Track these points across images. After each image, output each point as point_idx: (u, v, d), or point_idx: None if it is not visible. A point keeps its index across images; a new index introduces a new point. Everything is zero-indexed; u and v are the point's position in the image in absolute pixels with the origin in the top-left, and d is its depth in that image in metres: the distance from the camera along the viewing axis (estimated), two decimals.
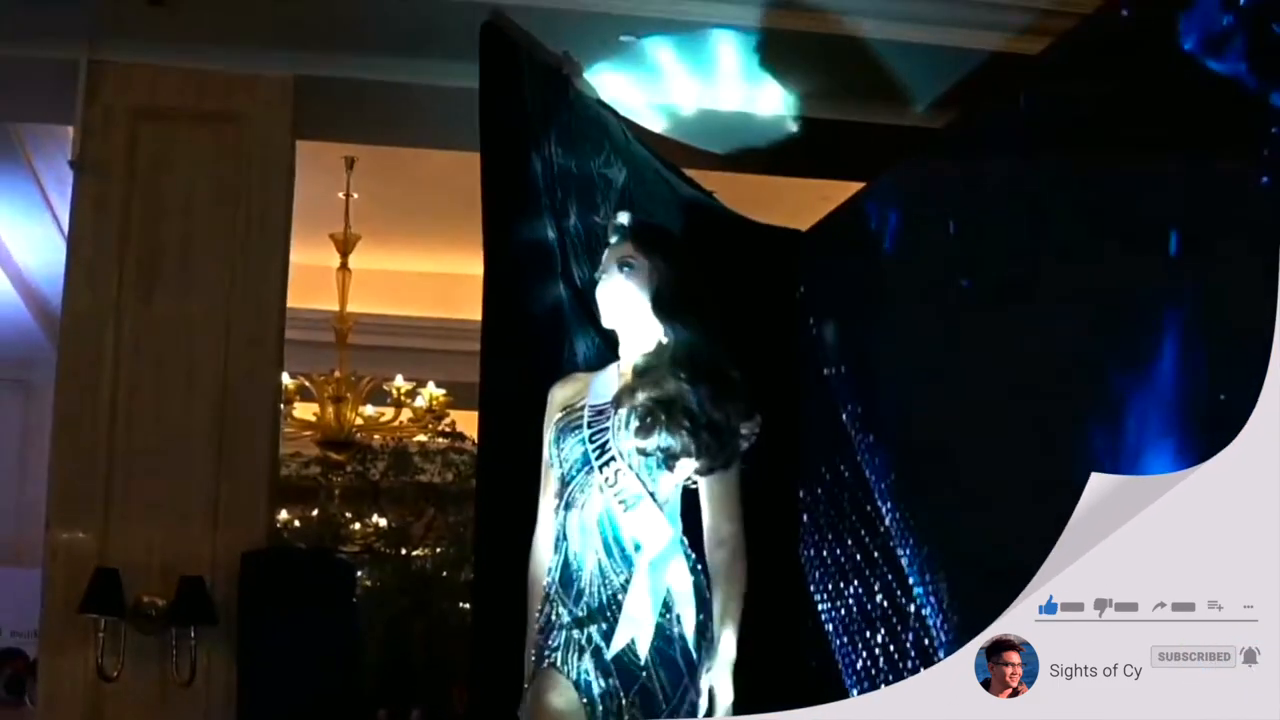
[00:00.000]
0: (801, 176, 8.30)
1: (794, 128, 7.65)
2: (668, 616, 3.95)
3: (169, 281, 6.90)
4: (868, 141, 7.44)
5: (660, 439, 3.99)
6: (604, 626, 3.91)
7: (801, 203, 7.68)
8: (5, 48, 6.91)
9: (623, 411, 4.03)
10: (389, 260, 11.25)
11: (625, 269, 4.20)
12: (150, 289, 6.88)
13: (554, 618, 4.02)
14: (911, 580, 5.23)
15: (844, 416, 5.92)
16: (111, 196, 6.90)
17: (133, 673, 6.50)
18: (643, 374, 4.11)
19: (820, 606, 6.03)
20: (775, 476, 6.22)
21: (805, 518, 6.28)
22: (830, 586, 5.96)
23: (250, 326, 6.91)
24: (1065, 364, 4.35)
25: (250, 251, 6.96)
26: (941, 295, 5.17)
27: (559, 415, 4.17)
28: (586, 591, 3.98)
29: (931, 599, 5.04)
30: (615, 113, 7.10)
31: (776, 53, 7.11)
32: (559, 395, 4.27)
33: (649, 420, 4.00)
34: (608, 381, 4.21)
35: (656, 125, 7.49)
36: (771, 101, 7.46)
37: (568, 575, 4.02)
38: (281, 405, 8.72)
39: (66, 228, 7.16)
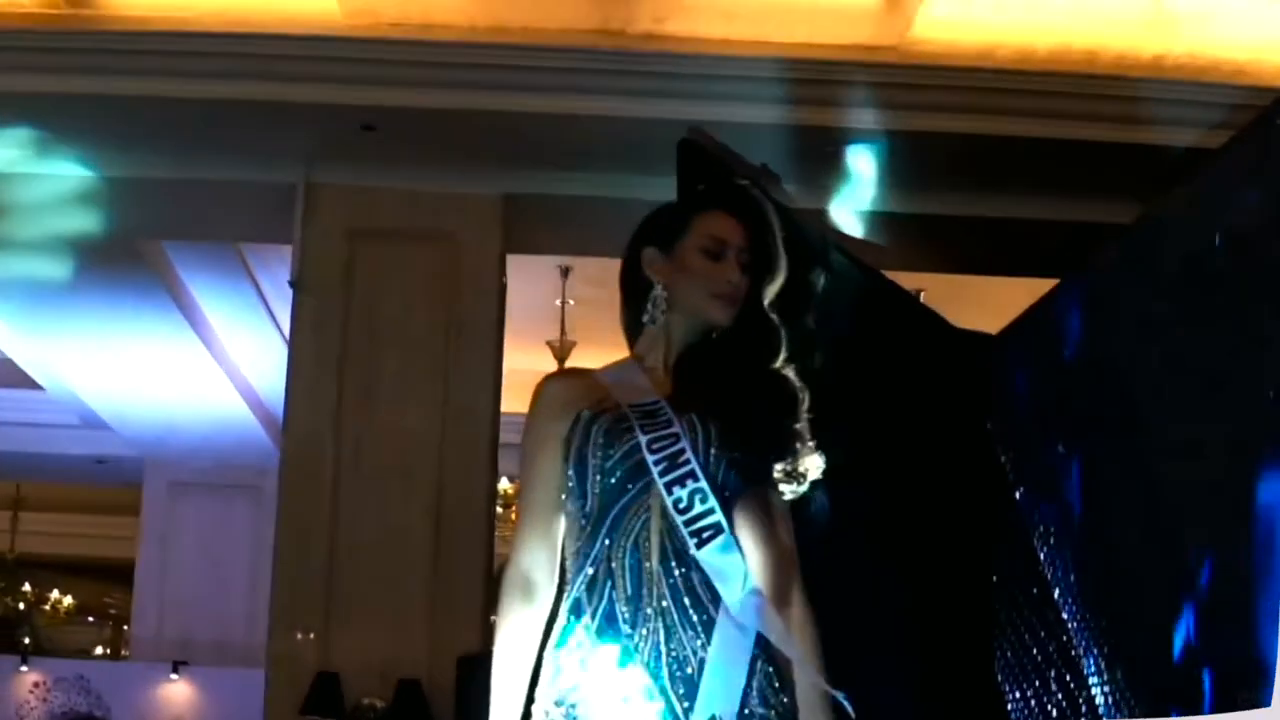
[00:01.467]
0: (1010, 275, 8.34)
1: (999, 229, 7.74)
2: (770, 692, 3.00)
3: (386, 393, 7.18)
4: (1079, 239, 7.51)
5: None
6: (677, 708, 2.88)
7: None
8: (228, 171, 7.28)
9: (695, 416, 3.05)
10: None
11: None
12: (368, 401, 7.17)
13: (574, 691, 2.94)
14: (1091, 681, 5.23)
15: (1031, 530, 5.93)
16: (329, 313, 7.24)
17: None
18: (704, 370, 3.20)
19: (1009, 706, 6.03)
20: (968, 578, 6.28)
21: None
22: (1014, 688, 5.96)
23: (464, 435, 7.15)
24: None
25: (462, 363, 7.22)
26: (1120, 404, 5.18)
27: (582, 416, 3.07)
28: (642, 650, 2.92)
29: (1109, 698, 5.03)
30: (816, 220, 7.25)
31: (976, 156, 7.20)
32: (559, 390, 3.16)
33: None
34: (632, 377, 3.17)
35: (857, 230, 7.59)
36: (968, 203, 7.54)
37: (610, 628, 2.94)
38: (500, 509, 8.98)
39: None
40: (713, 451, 3.02)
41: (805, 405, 3.17)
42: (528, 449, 3.14)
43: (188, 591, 12.52)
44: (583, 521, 3.01)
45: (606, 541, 2.97)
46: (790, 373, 3.18)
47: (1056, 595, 5.56)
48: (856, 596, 6.32)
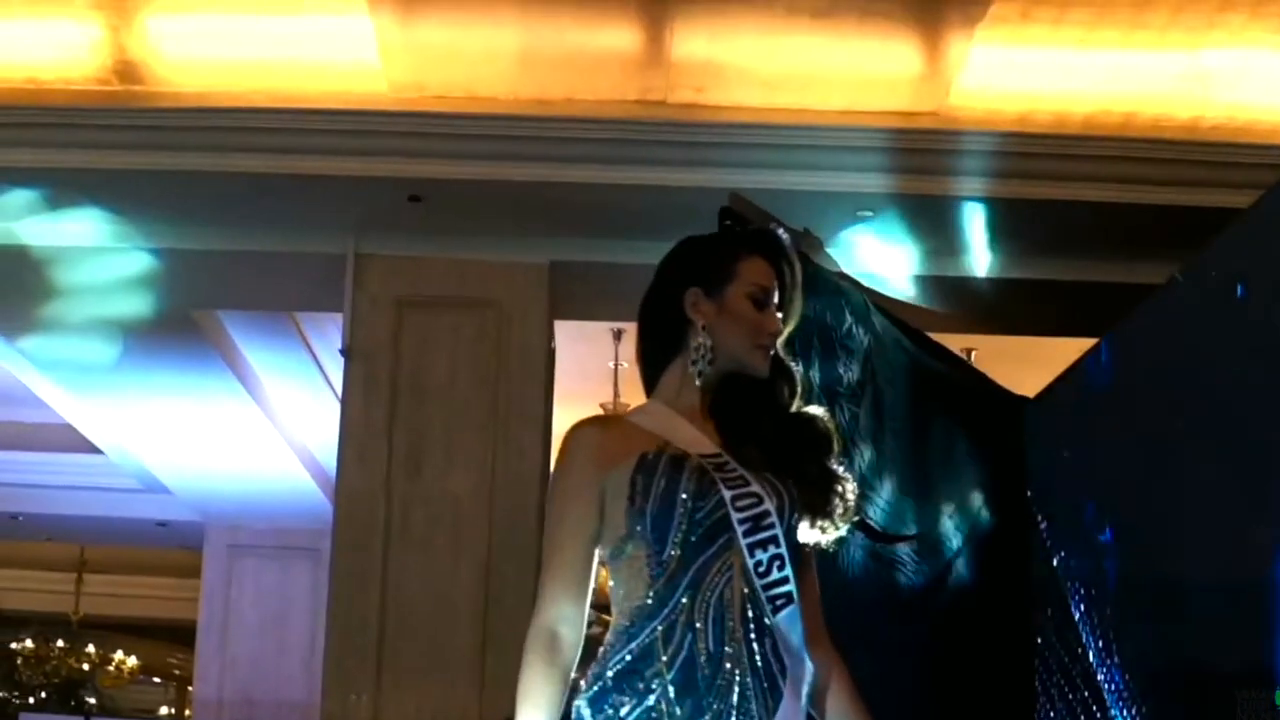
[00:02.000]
0: (1057, 336, 8.38)
1: (1044, 290, 7.80)
2: None
3: (435, 458, 7.30)
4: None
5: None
6: None
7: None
8: (279, 243, 7.45)
9: (771, 478, 3.01)
10: None
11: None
12: (418, 466, 7.30)
13: None
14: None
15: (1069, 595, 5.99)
16: (379, 379, 7.38)
17: None
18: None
19: None
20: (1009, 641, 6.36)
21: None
22: None
23: (512, 499, 7.26)
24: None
25: (510, 428, 7.34)
26: (1148, 464, 5.24)
27: (648, 456, 2.97)
28: (716, 712, 2.85)
29: None
30: (857, 284, 7.34)
31: (1020, 220, 7.28)
32: (599, 438, 3.06)
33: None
34: (673, 423, 3.07)
35: (900, 293, 7.67)
36: (1010, 264, 7.61)
37: (689, 686, 2.84)
38: None
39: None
40: (792, 518, 2.98)
41: (838, 443, 3.13)
42: (561, 495, 3.04)
43: (248, 652, 12.68)
44: (656, 570, 2.91)
45: (688, 595, 2.89)
46: (815, 411, 3.16)
47: (1092, 658, 5.61)
48: (900, 655, 6.41)
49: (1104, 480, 5.76)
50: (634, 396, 10.35)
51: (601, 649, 2.97)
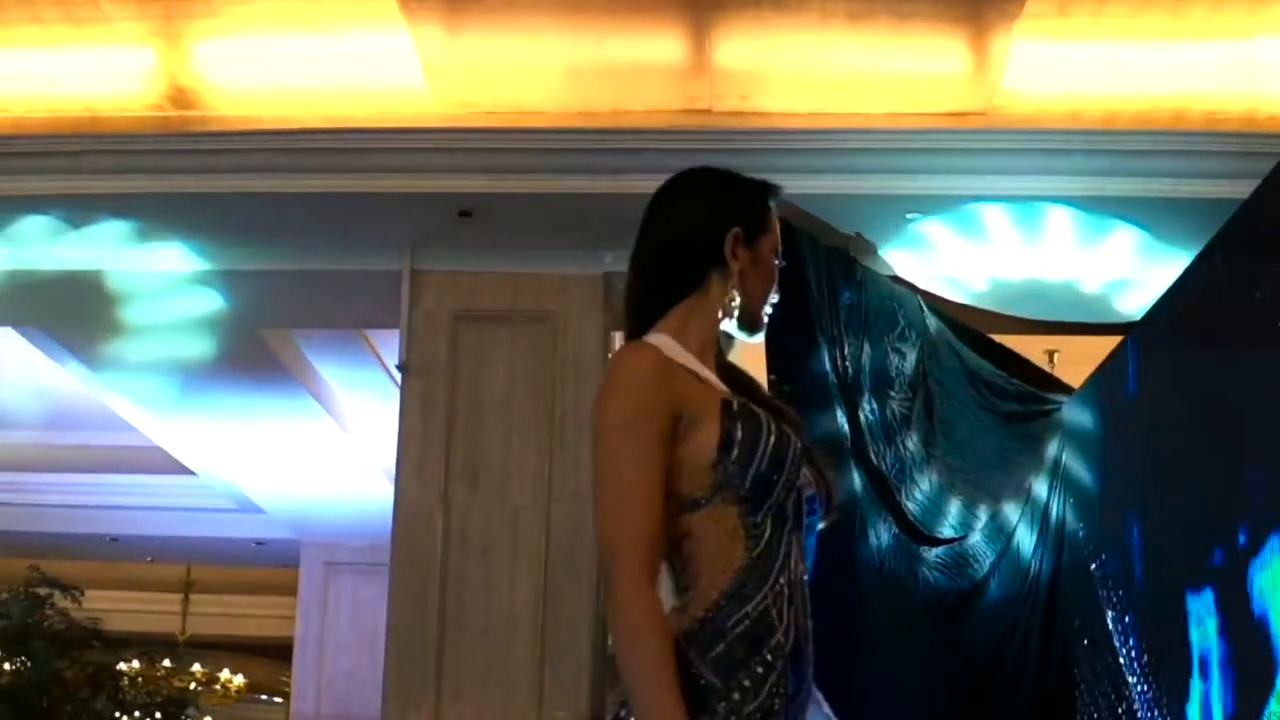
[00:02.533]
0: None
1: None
2: None
3: (492, 472, 7.35)
4: None
5: None
6: None
7: None
8: (337, 261, 7.55)
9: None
10: None
11: None
12: (475, 480, 7.35)
13: None
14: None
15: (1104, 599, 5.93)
16: (436, 394, 7.44)
17: None
18: None
19: None
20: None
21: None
22: None
23: (569, 514, 7.28)
24: None
25: (567, 441, 7.35)
26: (1171, 459, 5.17)
27: (727, 408, 2.82)
28: None
29: None
30: (912, 287, 7.30)
31: (1062, 220, 7.19)
32: (668, 373, 2.82)
33: None
34: (692, 364, 2.90)
35: (954, 295, 7.61)
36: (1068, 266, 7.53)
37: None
38: None
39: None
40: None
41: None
42: (628, 433, 2.72)
43: (346, 668, 12.81)
44: (754, 532, 2.72)
45: (782, 563, 2.73)
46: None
47: (1123, 660, 5.54)
48: (945, 653, 6.37)
49: (1134, 482, 5.70)
50: None
51: (698, 595, 2.71)
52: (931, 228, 7.31)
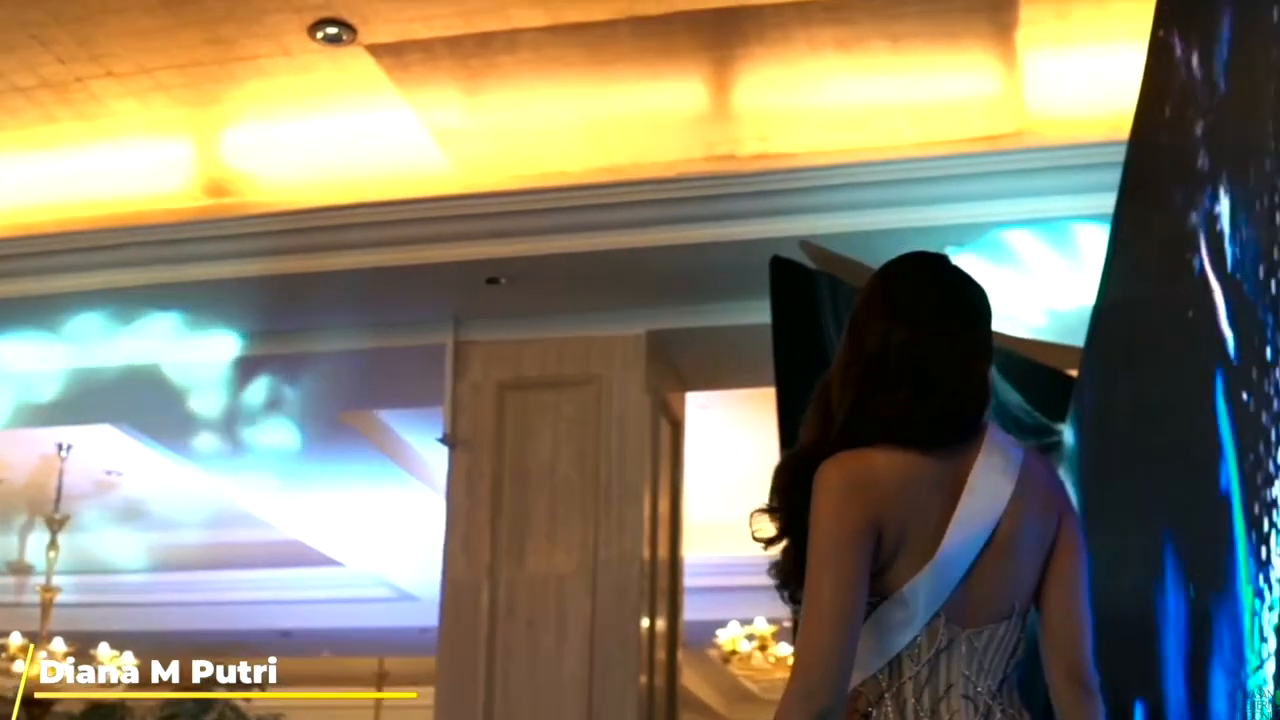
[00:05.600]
0: None
1: None
2: None
3: (538, 541, 7.23)
4: None
5: None
6: None
7: None
8: (376, 340, 7.53)
9: None
10: None
11: None
12: (521, 550, 7.24)
13: None
14: None
15: None
16: (482, 466, 7.35)
17: None
18: None
19: None
20: None
21: None
22: None
23: (615, 578, 7.12)
24: None
25: (612, 505, 7.20)
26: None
27: None
28: None
29: None
30: None
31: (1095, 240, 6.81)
32: None
33: None
34: None
35: (1013, 328, 7.25)
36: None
37: None
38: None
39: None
40: None
41: None
42: None
43: None
44: None
45: None
46: None
47: None
48: None
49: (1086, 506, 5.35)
50: None
51: None
52: (977, 255, 6.98)
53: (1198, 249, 2.93)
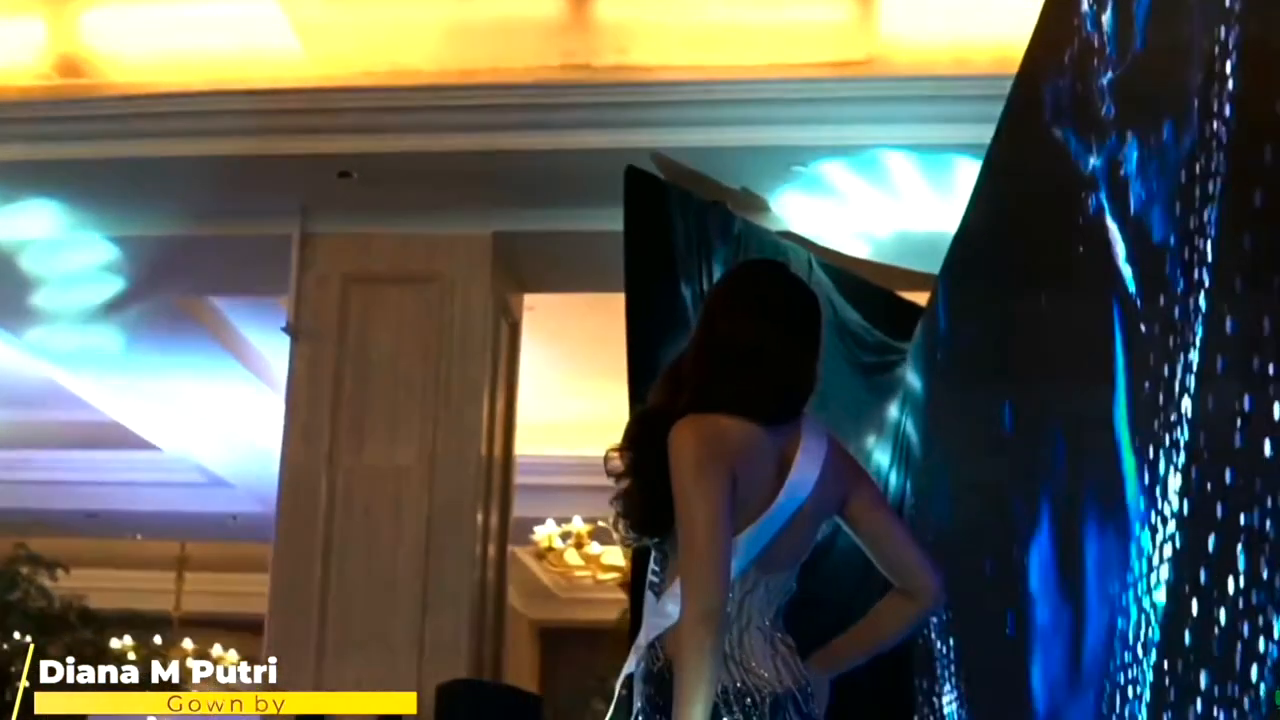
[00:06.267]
0: None
1: None
2: None
3: (377, 433, 7.34)
4: None
5: None
6: None
7: None
8: (230, 227, 7.55)
9: None
10: None
11: None
12: (360, 441, 7.34)
13: None
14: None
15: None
16: (324, 357, 7.43)
17: None
18: None
19: None
20: None
21: None
22: None
23: (454, 474, 7.27)
24: None
25: (452, 401, 7.33)
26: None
27: None
28: None
29: None
30: (804, 242, 7.21)
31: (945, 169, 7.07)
32: None
33: None
34: None
35: (859, 248, 7.51)
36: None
37: None
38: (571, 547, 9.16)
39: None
40: None
41: None
42: None
43: None
44: None
45: None
46: None
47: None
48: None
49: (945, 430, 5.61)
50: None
51: None
52: (824, 178, 7.20)
53: (1096, 191, 3.15)
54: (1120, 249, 2.94)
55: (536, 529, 11.08)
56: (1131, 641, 2.89)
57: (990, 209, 4.81)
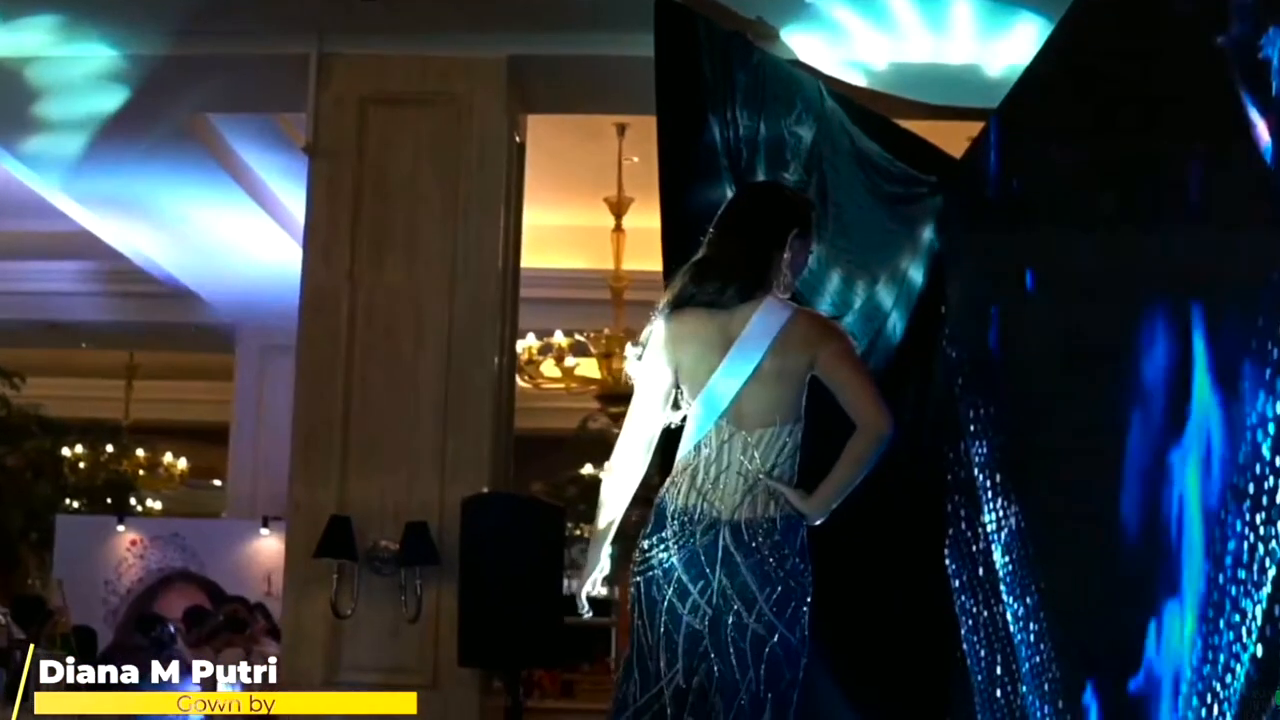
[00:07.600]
0: None
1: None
2: None
3: (397, 253, 7.48)
4: None
5: None
6: None
7: None
8: (247, 46, 7.58)
9: None
10: None
11: None
12: (380, 260, 7.48)
13: None
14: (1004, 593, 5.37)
15: (964, 407, 6.05)
16: (343, 177, 7.54)
17: (366, 610, 7.16)
18: None
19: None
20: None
21: None
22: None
23: (473, 291, 7.45)
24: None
25: (471, 221, 7.48)
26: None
27: None
28: None
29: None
30: (814, 71, 7.37)
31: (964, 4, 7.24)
32: None
33: None
34: None
35: (856, 79, 7.67)
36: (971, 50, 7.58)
37: None
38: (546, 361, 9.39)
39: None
40: None
41: None
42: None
43: (280, 451, 12.96)
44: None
45: None
46: None
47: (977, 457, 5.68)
48: None
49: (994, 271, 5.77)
50: (639, 192, 10.38)
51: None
52: (833, 11, 7.36)
53: (1224, 68, 3.32)
54: (1264, 135, 3.11)
55: (518, 342, 11.26)
56: None
57: (1061, 53, 4.89)
